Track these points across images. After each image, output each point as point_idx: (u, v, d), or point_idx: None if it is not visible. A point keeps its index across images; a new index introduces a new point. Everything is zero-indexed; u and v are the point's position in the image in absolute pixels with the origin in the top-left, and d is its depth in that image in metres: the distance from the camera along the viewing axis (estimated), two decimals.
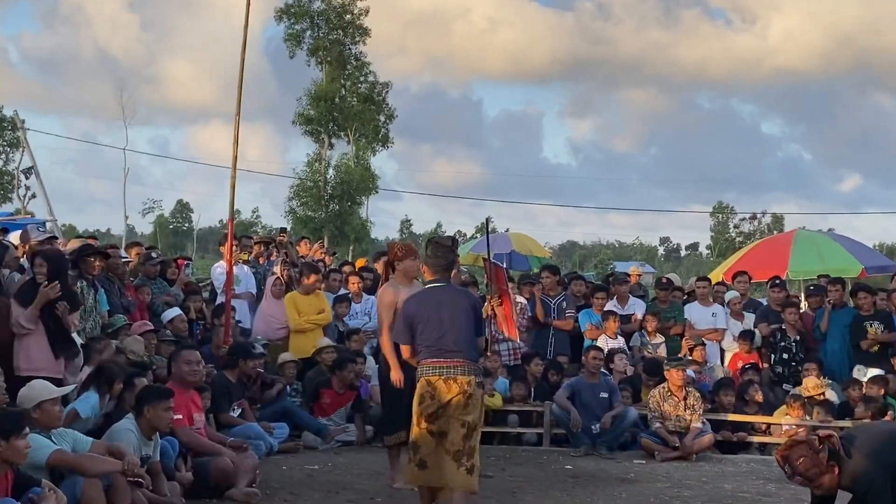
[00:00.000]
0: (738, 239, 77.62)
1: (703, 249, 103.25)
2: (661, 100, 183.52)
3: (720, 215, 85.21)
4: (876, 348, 11.20)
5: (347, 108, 40.23)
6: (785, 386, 11.15)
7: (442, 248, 6.92)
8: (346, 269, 12.80)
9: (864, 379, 10.54)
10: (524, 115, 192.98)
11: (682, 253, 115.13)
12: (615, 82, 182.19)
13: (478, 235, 45.63)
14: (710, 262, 70.17)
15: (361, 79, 41.55)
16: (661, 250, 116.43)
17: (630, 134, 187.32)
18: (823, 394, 10.41)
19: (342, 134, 40.83)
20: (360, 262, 14.47)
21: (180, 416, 7.34)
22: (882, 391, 10.21)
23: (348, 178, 39.41)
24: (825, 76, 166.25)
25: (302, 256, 13.49)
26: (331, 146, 41.06)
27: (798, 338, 11.37)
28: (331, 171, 40.35)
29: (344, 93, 40.74)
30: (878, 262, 16.07)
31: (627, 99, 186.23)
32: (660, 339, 11.71)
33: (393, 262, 8.03)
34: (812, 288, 12.24)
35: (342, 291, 11.70)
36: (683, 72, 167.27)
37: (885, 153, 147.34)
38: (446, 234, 10.28)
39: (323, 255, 14.84)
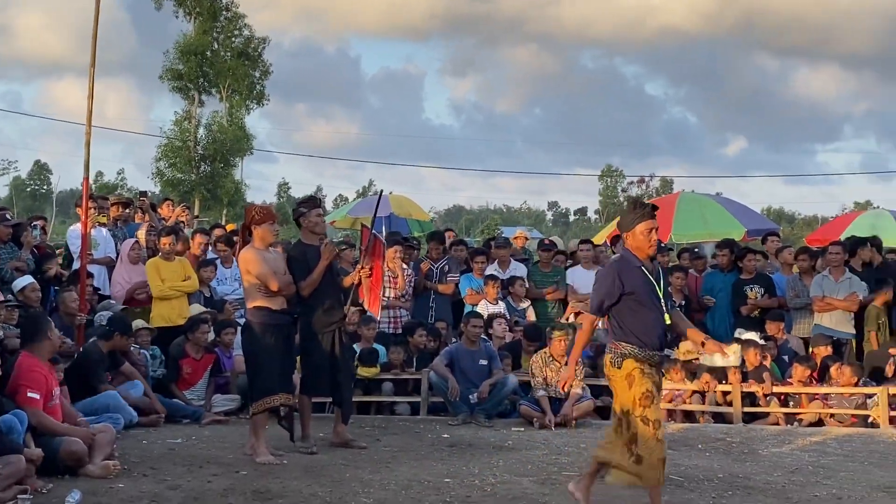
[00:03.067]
0: (626, 203, 79.12)
1: (591, 214, 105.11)
2: (543, 59, 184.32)
3: (608, 179, 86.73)
4: (756, 313, 11.23)
5: (220, 62, 38.68)
6: (666, 350, 11.05)
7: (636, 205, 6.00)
8: (217, 232, 12.23)
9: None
10: (404, 73, 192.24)
11: (571, 218, 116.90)
12: (496, 40, 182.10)
13: (360, 200, 45.14)
14: (599, 227, 71.18)
15: (236, 32, 39.99)
16: (549, 215, 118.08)
17: (513, 94, 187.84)
18: (697, 358, 10.33)
19: (213, 91, 39.30)
20: (230, 227, 13.92)
21: (37, 396, 6.84)
22: (757, 356, 10.16)
23: (221, 137, 38.03)
24: (709, 36, 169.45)
25: (163, 219, 12.88)
26: (201, 103, 39.47)
27: (683, 302, 11.23)
28: (201, 131, 38.94)
29: (216, 47, 39.19)
30: (761, 226, 16.24)
31: (509, 57, 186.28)
32: (526, 303, 11.52)
33: (249, 226, 7.60)
34: (695, 251, 12.17)
35: (211, 255, 11.17)
36: (566, 30, 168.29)
37: (770, 116, 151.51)
38: (312, 195, 9.74)
39: (186, 217, 14.18)
